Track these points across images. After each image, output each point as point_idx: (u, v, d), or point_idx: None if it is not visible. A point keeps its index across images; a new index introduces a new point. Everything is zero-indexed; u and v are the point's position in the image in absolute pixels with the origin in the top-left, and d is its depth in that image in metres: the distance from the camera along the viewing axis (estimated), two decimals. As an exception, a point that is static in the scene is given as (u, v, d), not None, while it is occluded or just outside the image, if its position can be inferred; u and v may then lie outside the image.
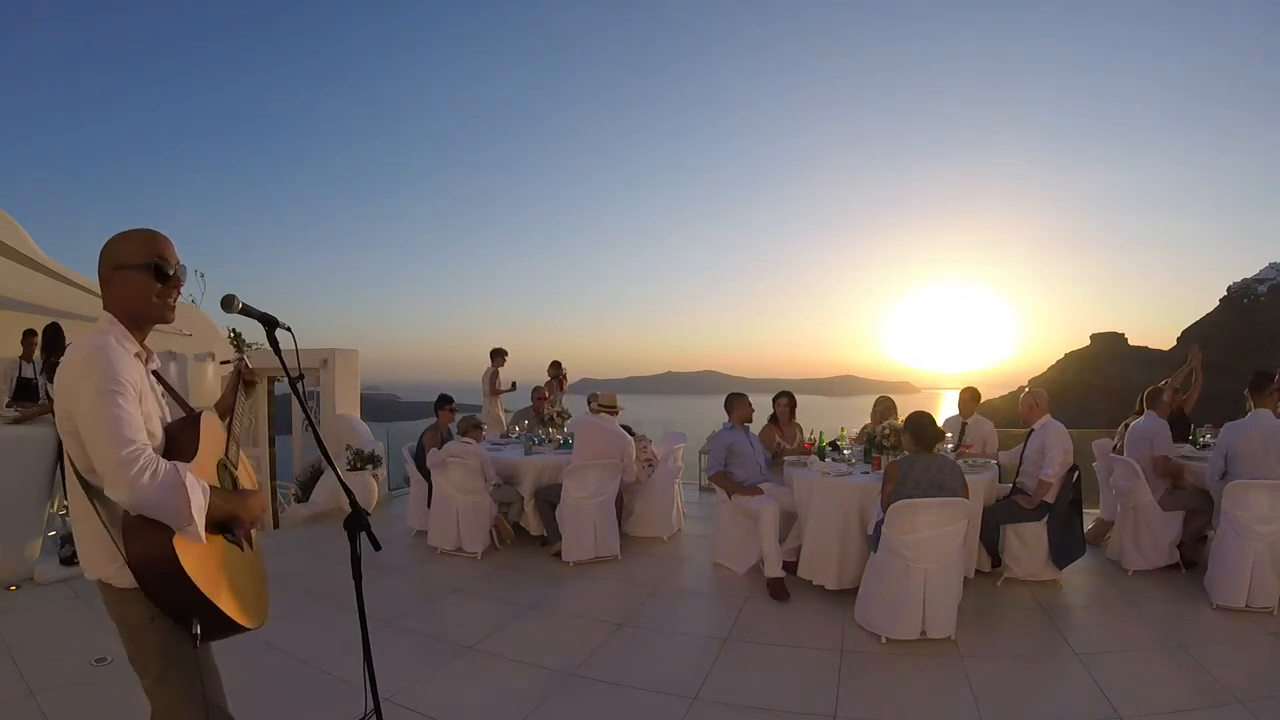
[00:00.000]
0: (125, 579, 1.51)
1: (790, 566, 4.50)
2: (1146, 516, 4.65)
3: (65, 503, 5.08)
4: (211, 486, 1.55)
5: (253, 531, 1.78)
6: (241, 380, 2.01)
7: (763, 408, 5.60)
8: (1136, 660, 3.43)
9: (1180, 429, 5.00)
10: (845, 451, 5.34)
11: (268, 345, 1.70)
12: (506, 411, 8.57)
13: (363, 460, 6.74)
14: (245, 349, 1.94)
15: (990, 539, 4.53)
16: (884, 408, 5.54)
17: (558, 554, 5.16)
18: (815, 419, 5.97)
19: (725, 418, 5.16)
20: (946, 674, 3.28)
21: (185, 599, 1.47)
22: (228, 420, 1.92)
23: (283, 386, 8.73)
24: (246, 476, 1.86)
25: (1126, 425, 5.61)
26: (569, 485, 5.09)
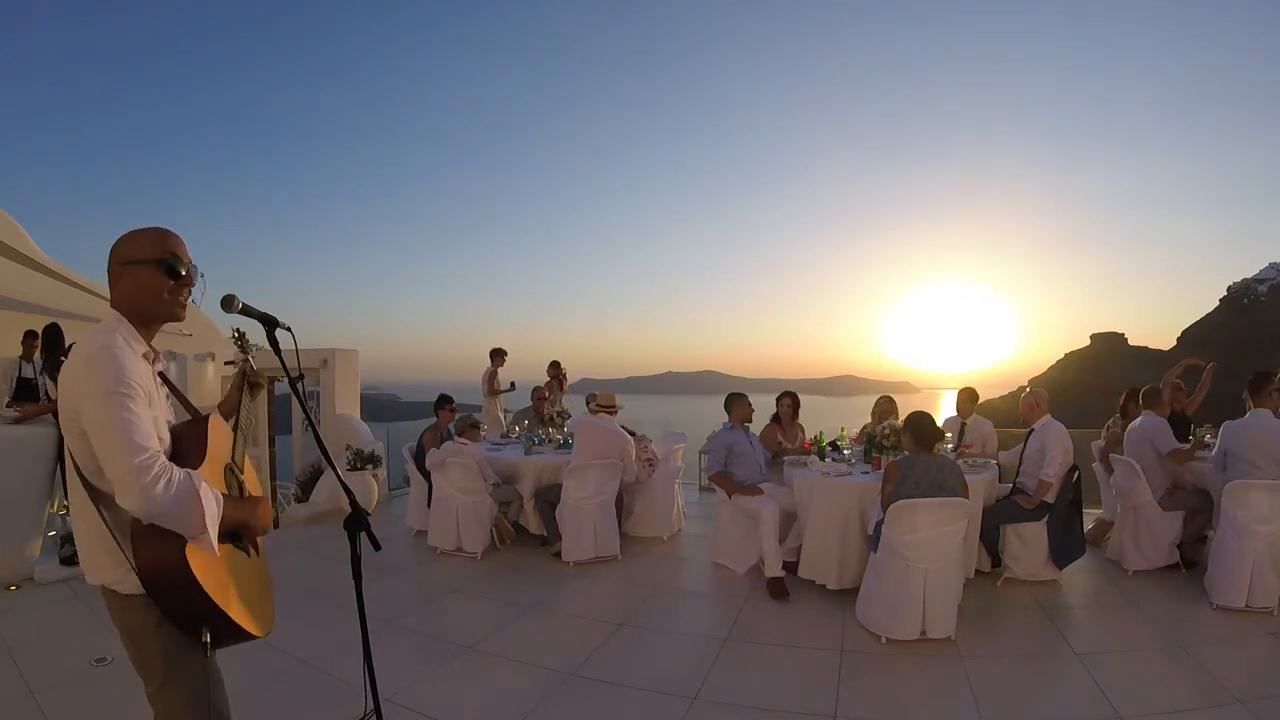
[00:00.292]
0: (130, 585, 1.49)
1: (790, 566, 4.50)
2: (1146, 516, 4.65)
3: (65, 503, 5.08)
4: (224, 495, 1.53)
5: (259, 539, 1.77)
6: (247, 382, 1.96)
7: (763, 408, 5.60)
8: (1136, 660, 3.43)
9: (1180, 430, 5.01)
10: (845, 451, 5.34)
11: (268, 345, 1.70)
12: (506, 411, 8.57)
13: (363, 460, 6.74)
14: (250, 350, 1.92)
15: (990, 539, 4.53)
16: (884, 408, 5.54)
17: (558, 554, 5.16)
18: (815, 419, 5.98)
19: (725, 418, 5.16)
20: (946, 674, 3.28)
21: (196, 608, 1.45)
22: (233, 422, 1.89)
23: (283, 386, 8.73)
24: (251, 481, 1.84)
25: (1110, 426, 5.63)
26: (569, 485, 5.09)
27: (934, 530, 3.53)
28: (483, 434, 6.40)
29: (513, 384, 8.71)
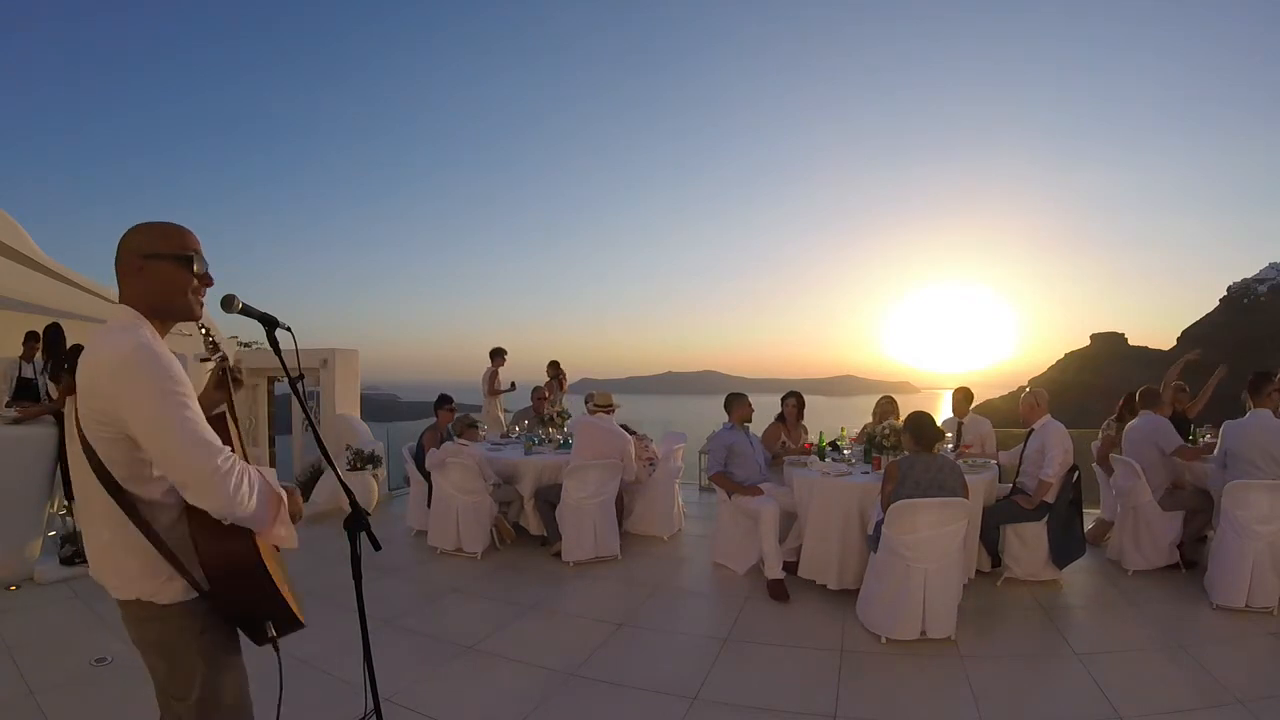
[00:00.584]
0: (170, 593, 1.45)
1: (791, 566, 4.50)
2: (1146, 516, 4.65)
3: (65, 503, 5.09)
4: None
5: None
6: (230, 378, 1.92)
7: (762, 408, 5.61)
8: (1136, 660, 3.43)
9: (1180, 431, 5.01)
10: (845, 451, 5.34)
11: (268, 345, 1.69)
12: (506, 411, 8.57)
13: (363, 460, 6.74)
14: (220, 350, 1.89)
15: (990, 539, 4.53)
16: (886, 408, 5.54)
17: (558, 554, 5.16)
18: (815, 419, 5.98)
19: (725, 418, 5.17)
20: (946, 674, 3.28)
21: (264, 601, 1.46)
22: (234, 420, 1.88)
23: (283, 386, 8.74)
24: None
25: (1105, 428, 5.63)
26: (569, 485, 5.09)
27: (934, 530, 3.53)
28: (482, 434, 6.40)
29: (513, 384, 8.72)
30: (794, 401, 5.79)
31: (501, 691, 3.19)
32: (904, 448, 4.17)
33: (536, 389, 7.65)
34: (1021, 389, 5.20)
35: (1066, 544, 4.45)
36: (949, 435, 5.42)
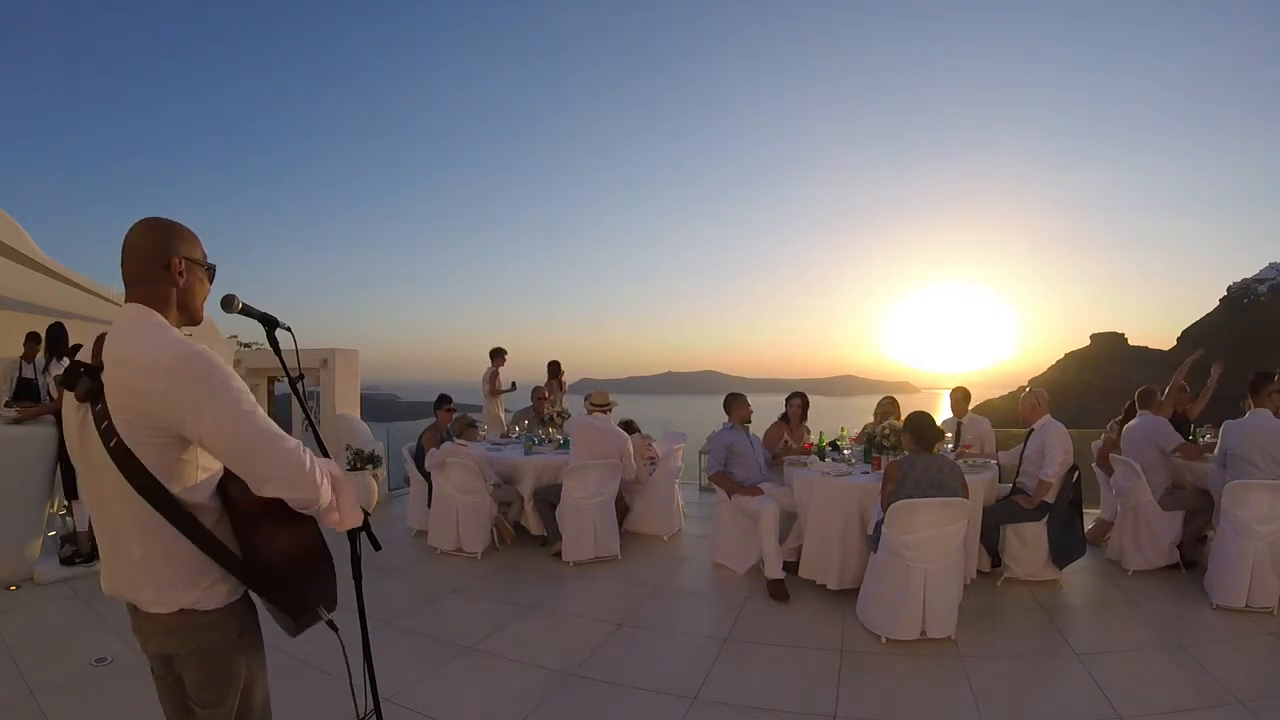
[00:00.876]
0: (215, 598, 1.44)
1: (791, 566, 4.50)
2: (1146, 516, 4.65)
3: (65, 503, 5.09)
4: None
5: None
6: None
7: (762, 408, 5.61)
8: (1136, 660, 3.43)
9: (1180, 431, 5.01)
10: (845, 451, 5.34)
11: (268, 345, 1.69)
12: (507, 411, 8.57)
13: (363, 460, 6.74)
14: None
15: (990, 539, 4.53)
16: (886, 408, 5.54)
17: (558, 554, 5.16)
18: (815, 419, 5.99)
19: (725, 418, 5.17)
20: (946, 674, 3.28)
21: (324, 583, 1.49)
22: None
23: (283, 386, 8.74)
24: None
25: (1111, 428, 5.63)
26: (569, 485, 5.09)
27: (934, 530, 3.53)
28: (481, 434, 6.40)
29: (513, 384, 8.72)
30: (799, 402, 5.80)
31: (501, 691, 3.19)
32: (904, 448, 4.17)
33: (536, 389, 7.65)
34: (1021, 389, 5.20)
35: (1066, 544, 4.45)
36: (949, 435, 5.42)
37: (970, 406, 6.03)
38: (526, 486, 5.63)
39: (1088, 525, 5.11)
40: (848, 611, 3.97)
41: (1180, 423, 5.24)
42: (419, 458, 5.92)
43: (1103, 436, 5.67)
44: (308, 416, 1.79)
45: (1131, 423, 5.03)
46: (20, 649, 3.54)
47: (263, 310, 1.70)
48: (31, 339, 5.67)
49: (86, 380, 1.37)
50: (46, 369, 5.52)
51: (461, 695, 3.15)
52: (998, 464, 5.09)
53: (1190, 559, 4.66)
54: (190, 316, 1.54)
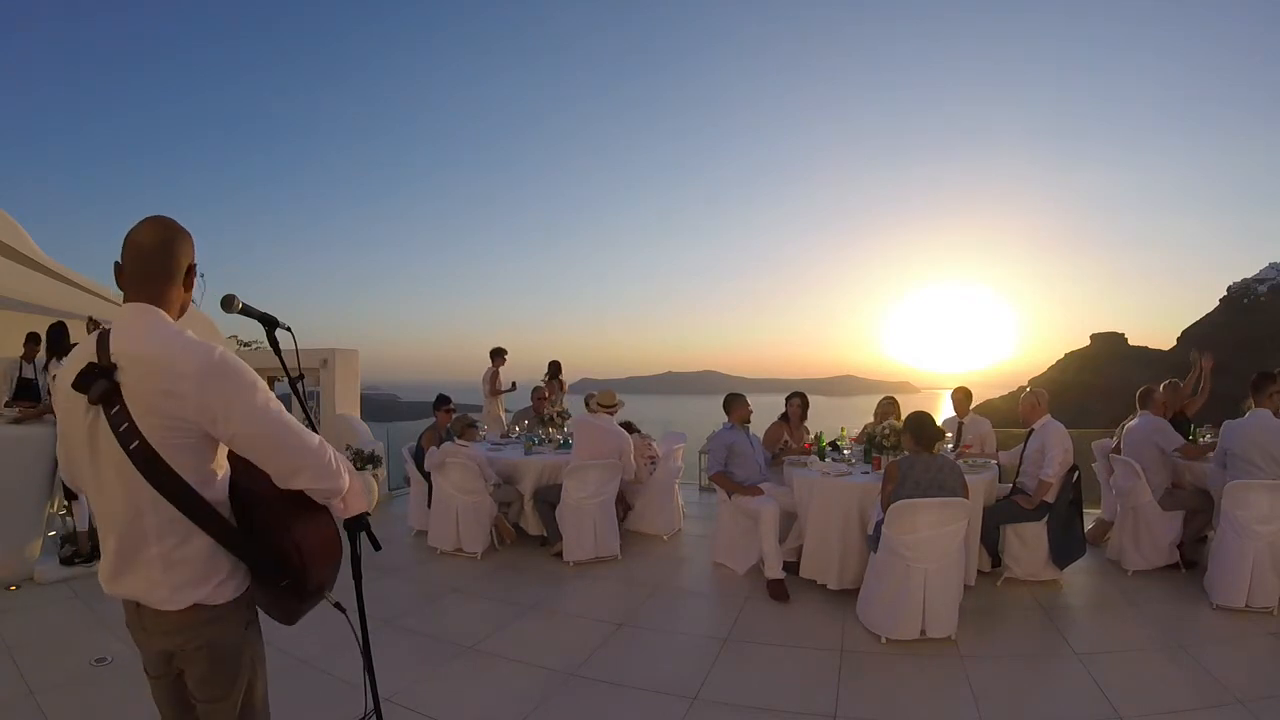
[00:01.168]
0: (225, 592, 1.45)
1: (791, 566, 4.50)
2: (1146, 516, 4.65)
3: (65, 503, 5.09)
4: None
5: None
6: None
7: (762, 408, 5.61)
8: (1136, 660, 3.43)
9: (1180, 431, 5.01)
10: (845, 451, 5.34)
11: (268, 345, 1.69)
12: (507, 411, 8.57)
13: (363, 460, 6.75)
14: None
15: (990, 539, 4.52)
16: (887, 408, 5.54)
17: (558, 554, 5.16)
18: (815, 419, 5.99)
19: (725, 418, 5.17)
20: (946, 674, 3.28)
21: (332, 573, 1.52)
22: None
23: (283, 386, 8.73)
24: None
25: (1123, 426, 5.61)
26: (569, 485, 5.09)
27: (934, 530, 3.53)
28: (481, 434, 6.40)
29: (514, 384, 8.72)
30: (799, 402, 5.80)
31: (501, 691, 3.19)
32: (904, 448, 4.16)
33: (536, 389, 7.64)
34: (1021, 389, 5.20)
35: (1066, 544, 4.45)
36: (949, 435, 5.41)
37: (970, 406, 6.03)
38: (526, 486, 5.63)
39: (1088, 525, 5.11)
40: (848, 611, 3.97)
41: (1180, 422, 5.24)
42: (419, 458, 5.92)
43: (1115, 436, 5.63)
44: (308, 416, 1.79)
45: (1131, 423, 5.03)
46: (20, 649, 3.54)
47: (263, 310, 1.70)
48: (31, 339, 5.67)
49: (104, 383, 1.34)
50: (46, 369, 5.52)
51: (461, 695, 3.15)
52: (998, 464, 5.09)
53: (1190, 559, 4.66)
54: (179, 319, 1.58)
